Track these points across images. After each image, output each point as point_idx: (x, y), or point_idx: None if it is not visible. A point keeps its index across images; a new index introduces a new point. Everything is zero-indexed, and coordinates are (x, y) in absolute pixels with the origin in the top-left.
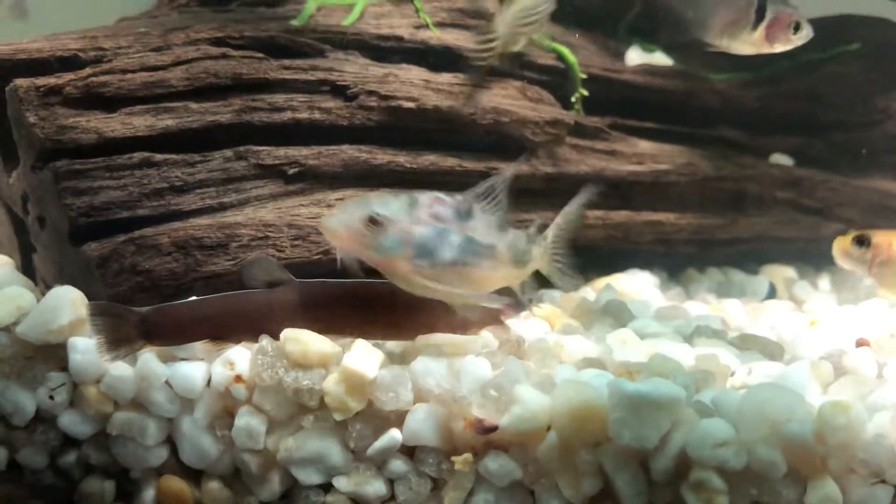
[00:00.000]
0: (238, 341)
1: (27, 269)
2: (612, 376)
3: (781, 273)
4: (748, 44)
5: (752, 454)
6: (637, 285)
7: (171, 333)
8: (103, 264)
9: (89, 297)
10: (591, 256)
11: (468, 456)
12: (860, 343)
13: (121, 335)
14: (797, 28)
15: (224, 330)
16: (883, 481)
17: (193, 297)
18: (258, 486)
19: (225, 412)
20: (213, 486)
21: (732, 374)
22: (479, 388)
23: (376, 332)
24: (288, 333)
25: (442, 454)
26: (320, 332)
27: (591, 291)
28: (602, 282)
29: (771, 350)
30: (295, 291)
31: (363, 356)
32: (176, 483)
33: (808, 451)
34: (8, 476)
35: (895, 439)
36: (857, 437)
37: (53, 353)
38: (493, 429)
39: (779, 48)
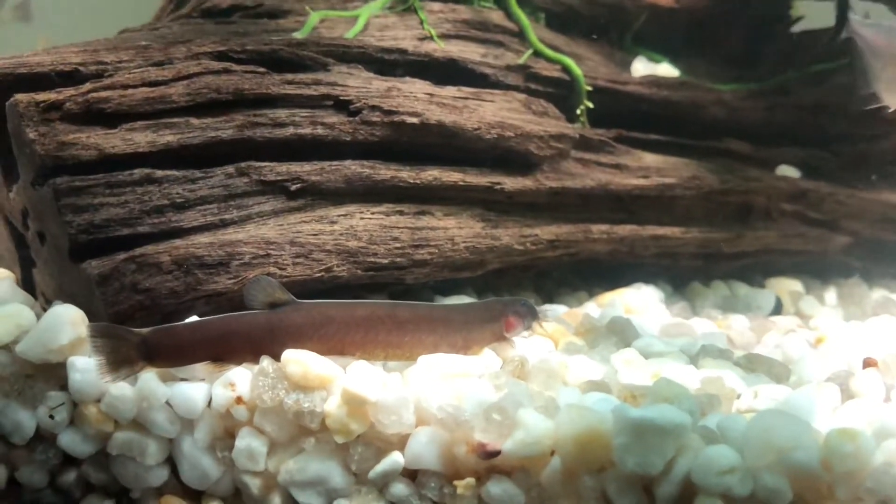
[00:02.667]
0: (239, 363)
1: (27, 283)
2: (616, 400)
3: (788, 286)
4: None
5: (757, 481)
6: (642, 300)
7: (171, 355)
8: (103, 282)
9: (89, 314)
10: (596, 271)
11: (471, 480)
12: (867, 363)
13: (121, 356)
14: None
15: (225, 351)
16: None
17: (194, 318)
18: None
19: (226, 433)
20: None
21: (738, 397)
22: (482, 411)
23: (378, 352)
24: (289, 355)
25: (444, 478)
26: (322, 353)
27: (596, 307)
28: (607, 297)
29: (777, 371)
30: (296, 312)
31: (364, 378)
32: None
33: (814, 478)
34: (8, 495)
35: None
36: (864, 466)
37: (53, 372)
38: (496, 453)
39: None
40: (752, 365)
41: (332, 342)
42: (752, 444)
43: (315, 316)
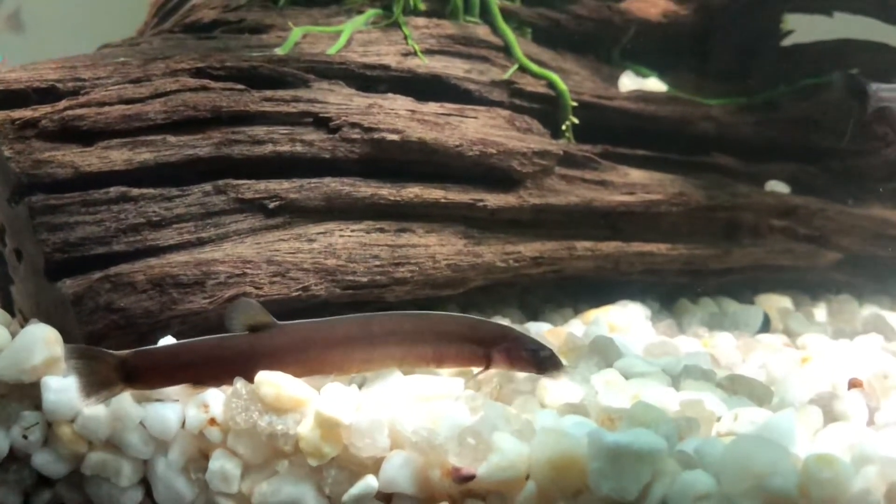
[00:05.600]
0: (219, 385)
1: (5, 300)
2: (593, 424)
3: (777, 303)
4: None
5: None
6: (627, 318)
7: (151, 377)
8: (78, 302)
9: (64, 333)
10: (583, 287)
11: None
12: (852, 384)
13: (100, 378)
14: None
15: (205, 375)
16: None
17: (170, 340)
18: None
19: (200, 454)
20: None
21: (718, 420)
22: (457, 434)
23: (353, 368)
24: (262, 377)
25: (418, 501)
26: (301, 374)
27: (581, 325)
28: (591, 315)
29: (759, 393)
30: (276, 336)
31: (338, 401)
32: None
33: None
34: None
35: (882, 495)
36: (842, 492)
37: (27, 392)
38: (471, 477)
39: None
40: (735, 386)
41: (312, 364)
42: (728, 470)
43: (295, 339)
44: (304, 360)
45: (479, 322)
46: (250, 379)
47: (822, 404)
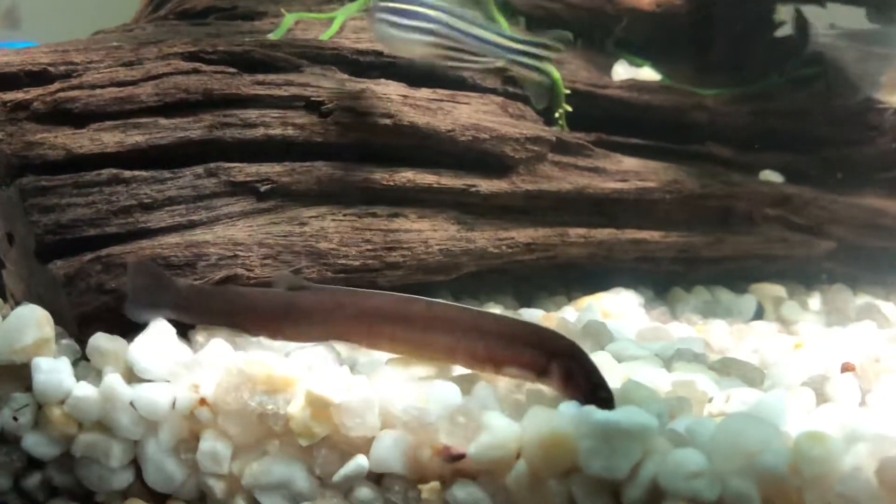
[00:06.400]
0: (255, 335)
1: None
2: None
3: (771, 292)
4: None
5: (725, 486)
6: (621, 305)
7: (197, 312)
8: (69, 283)
9: (55, 315)
10: (577, 275)
11: (435, 484)
12: (845, 368)
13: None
14: None
15: (244, 322)
16: None
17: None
18: None
19: (190, 435)
20: None
21: (710, 401)
22: (448, 414)
23: (383, 345)
24: (252, 356)
25: (409, 482)
26: (330, 338)
27: (574, 311)
28: (584, 301)
29: (751, 376)
30: (310, 296)
31: (328, 380)
32: None
33: (783, 483)
34: None
35: (873, 472)
36: (833, 470)
37: (17, 374)
38: (461, 457)
39: None
40: (727, 369)
41: (339, 329)
42: (720, 448)
43: (326, 301)
44: (332, 323)
45: (543, 328)
46: (285, 334)
47: (814, 387)
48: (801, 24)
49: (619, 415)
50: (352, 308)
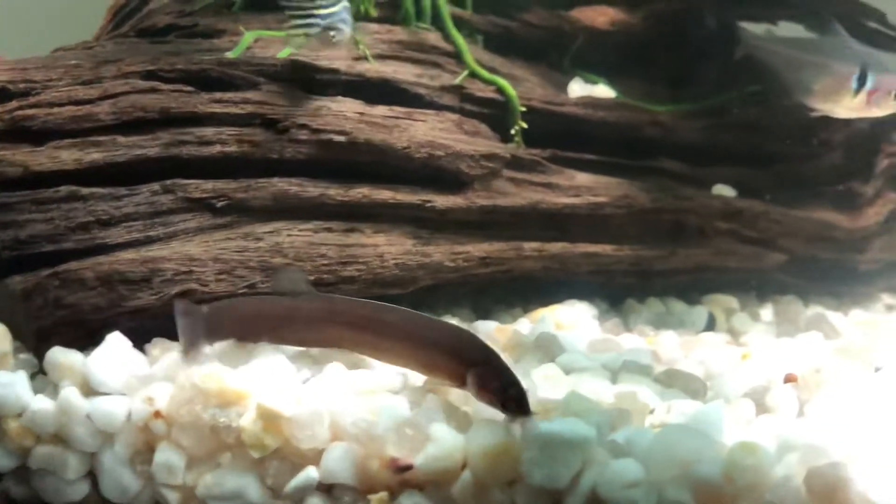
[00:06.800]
0: (257, 342)
1: None
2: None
3: (723, 303)
4: (849, 109)
5: (661, 495)
6: (575, 316)
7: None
8: (27, 298)
9: (13, 329)
10: (534, 288)
11: (384, 495)
12: (788, 379)
13: (197, 335)
14: None
15: (251, 331)
16: None
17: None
18: None
19: (145, 447)
20: None
21: (652, 412)
22: (396, 426)
23: (366, 351)
24: (205, 370)
25: (358, 492)
26: (321, 345)
27: (529, 323)
28: (539, 313)
29: (694, 387)
30: (306, 304)
31: (279, 393)
32: None
33: (717, 491)
34: None
35: (801, 481)
36: (765, 479)
37: None
38: (408, 468)
39: (879, 113)
40: (671, 380)
41: (328, 336)
42: (656, 458)
43: (316, 309)
44: (321, 330)
45: (463, 336)
46: (286, 340)
47: (755, 397)
48: (732, 28)
49: (559, 426)
50: (341, 316)
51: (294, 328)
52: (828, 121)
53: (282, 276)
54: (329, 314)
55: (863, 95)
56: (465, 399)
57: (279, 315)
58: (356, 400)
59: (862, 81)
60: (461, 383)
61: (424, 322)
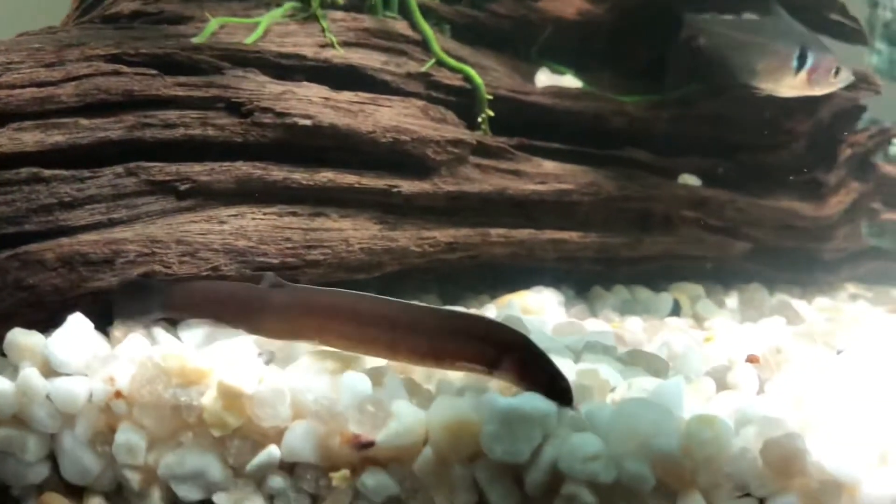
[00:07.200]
0: (235, 328)
1: None
2: (491, 391)
3: (689, 291)
4: (791, 87)
5: (621, 468)
6: (541, 302)
7: (183, 307)
8: None
9: None
10: (501, 274)
11: (345, 472)
12: (750, 359)
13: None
14: (837, 72)
15: (225, 315)
16: (748, 494)
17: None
18: (140, 501)
19: (106, 427)
20: (95, 502)
21: (613, 390)
22: (357, 403)
23: (337, 342)
24: (166, 350)
25: (320, 470)
26: (292, 336)
27: (494, 308)
28: (507, 299)
29: (656, 366)
30: (281, 294)
31: (240, 372)
32: (57, 500)
33: (675, 464)
34: None
35: (758, 452)
36: (722, 451)
37: None
38: (370, 444)
39: (820, 91)
40: (634, 360)
41: (301, 327)
42: (616, 432)
43: (291, 301)
44: (294, 321)
45: (492, 322)
46: (260, 329)
47: (716, 376)
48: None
49: (519, 401)
50: (315, 308)
51: (275, 319)
52: (792, 112)
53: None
54: (309, 307)
55: (803, 74)
56: (427, 376)
57: (255, 302)
58: (318, 378)
59: (802, 61)
60: (491, 369)
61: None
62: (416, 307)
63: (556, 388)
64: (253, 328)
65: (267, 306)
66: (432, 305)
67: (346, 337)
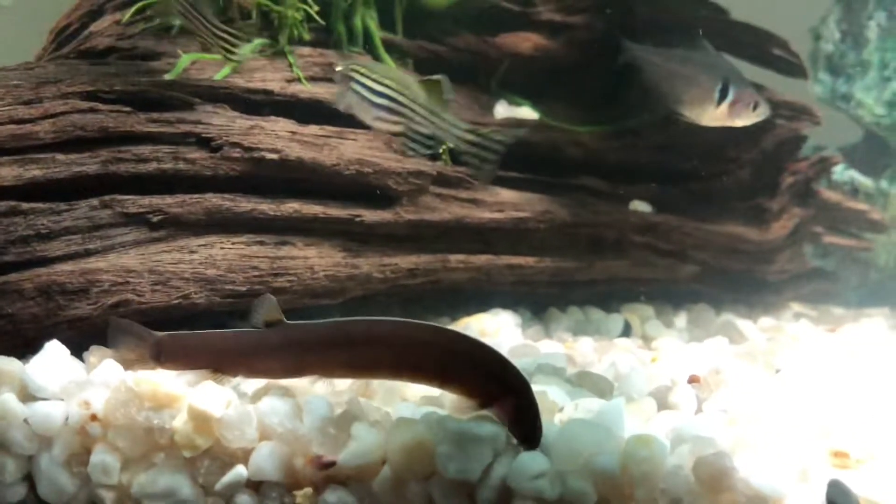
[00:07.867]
0: (234, 375)
1: None
2: (446, 414)
3: (640, 312)
4: (712, 118)
5: (565, 485)
6: (498, 324)
7: (178, 359)
8: None
9: None
10: (462, 298)
11: (308, 490)
12: (692, 379)
13: (137, 355)
14: (756, 107)
15: (222, 363)
16: None
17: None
18: None
19: (82, 449)
20: None
21: (561, 410)
22: (320, 426)
23: (337, 373)
24: (140, 375)
25: (285, 488)
26: (288, 374)
27: None
28: (464, 321)
29: (602, 387)
30: (274, 335)
31: (210, 396)
32: None
33: (615, 481)
34: None
35: (690, 470)
36: (658, 468)
37: None
38: (331, 464)
39: (739, 123)
40: (581, 381)
41: (297, 364)
42: (561, 451)
43: (283, 339)
44: (289, 359)
45: (506, 361)
46: (256, 371)
47: (658, 396)
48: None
49: (471, 423)
50: (309, 343)
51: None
52: (737, 141)
53: (259, 305)
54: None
55: (724, 107)
56: (387, 399)
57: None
58: (282, 401)
59: (724, 94)
60: (484, 401)
61: (427, 329)
62: (421, 329)
63: (533, 438)
64: (252, 371)
65: (263, 347)
66: (433, 324)
67: (349, 366)
